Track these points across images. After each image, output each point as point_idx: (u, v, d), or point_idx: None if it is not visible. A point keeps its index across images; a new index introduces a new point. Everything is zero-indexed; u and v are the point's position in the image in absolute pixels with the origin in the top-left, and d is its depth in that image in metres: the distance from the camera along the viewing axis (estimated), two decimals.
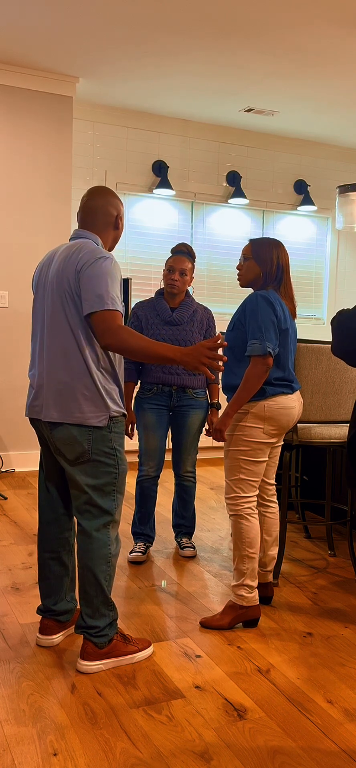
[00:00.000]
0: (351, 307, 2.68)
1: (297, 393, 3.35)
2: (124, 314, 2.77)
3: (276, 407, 3.22)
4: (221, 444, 6.75)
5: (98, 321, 2.68)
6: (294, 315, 3.35)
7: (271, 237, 3.58)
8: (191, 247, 4.16)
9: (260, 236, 7.62)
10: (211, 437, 4.25)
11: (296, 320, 6.90)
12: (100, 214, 2.89)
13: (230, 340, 3.30)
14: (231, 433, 3.25)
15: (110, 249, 2.98)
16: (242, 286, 3.39)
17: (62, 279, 2.76)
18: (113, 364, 2.83)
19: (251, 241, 3.36)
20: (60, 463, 2.86)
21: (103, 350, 2.76)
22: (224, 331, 4.72)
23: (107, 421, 2.78)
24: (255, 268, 3.32)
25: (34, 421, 2.94)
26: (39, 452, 6.17)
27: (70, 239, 2.92)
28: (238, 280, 3.40)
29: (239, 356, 3.26)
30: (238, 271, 3.38)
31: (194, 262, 4.15)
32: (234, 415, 3.21)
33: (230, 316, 7.48)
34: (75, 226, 6.57)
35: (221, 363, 2.69)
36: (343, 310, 2.68)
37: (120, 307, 2.72)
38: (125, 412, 2.89)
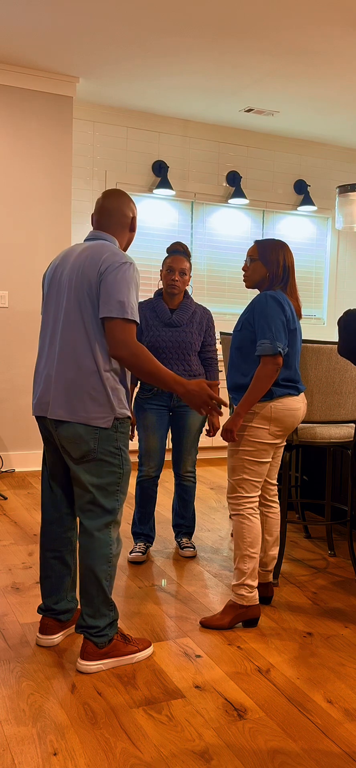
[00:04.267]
0: None
1: (302, 394, 3.35)
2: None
3: (282, 408, 3.23)
4: (222, 444, 6.76)
5: (116, 328, 2.70)
6: (299, 315, 3.36)
7: (276, 238, 3.56)
8: (186, 246, 4.17)
9: (261, 237, 7.63)
10: (211, 437, 4.26)
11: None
12: (116, 216, 2.92)
13: (237, 339, 3.31)
14: (237, 432, 3.25)
15: (124, 250, 3.01)
16: (248, 287, 3.39)
17: (82, 279, 2.77)
18: (122, 366, 2.84)
19: (257, 242, 3.36)
20: (65, 461, 2.86)
21: (123, 362, 2.77)
22: (227, 331, 4.73)
23: (111, 422, 2.79)
24: (262, 270, 3.31)
25: (39, 419, 2.94)
26: (40, 452, 6.20)
27: (86, 240, 2.94)
28: (244, 281, 3.40)
29: (246, 356, 3.26)
30: (244, 273, 3.38)
31: (190, 260, 4.16)
32: (244, 415, 3.21)
33: (231, 316, 7.53)
34: (75, 226, 6.58)
35: (221, 407, 2.85)
36: (349, 310, 2.68)
37: (137, 317, 2.75)
38: (130, 415, 2.90)
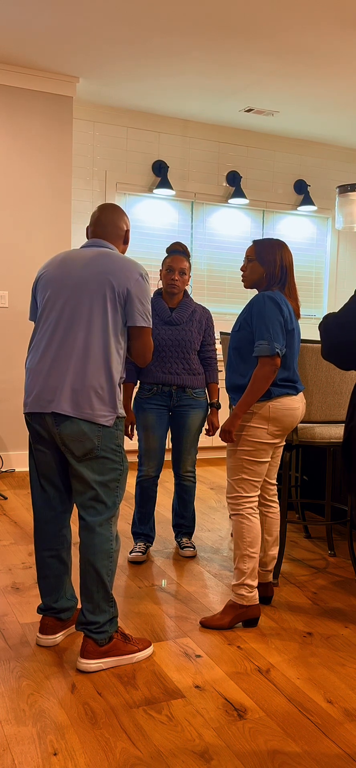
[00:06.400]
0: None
1: (301, 394, 3.35)
2: None
3: (280, 408, 3.23)
4: (221, 444, 6.75)
5: (147, 336, 2.91)
6: (298, 315, 3.36)
7: (274, 238, 3.56)
8: (185, 246, 4.17)
9: (261, 236, 7.63)
10: (211, 437, 4.26)
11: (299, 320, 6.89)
12: (111, 228, 3.02)
13: (235, 340, 3.30)
14: (236, 432, 3.25)
15: None
16: (246, 287, 3.39)
17: (103, 284, 2.83)
18: (123, 368, 2.92)
19: (255, 242, 3.36)
20: (67, 459, 2.86)
21: (139, 363, 3.00)
22: (228, 331, 4.72)
23: (113, 420, 2.84)
24: (259, 270, 3.31)
25: (35, 416, 2.90)
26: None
27: (88, 246, 2.98)
28: (242, 281, 3.40)
29: (244, 356, 3.26)
30: (242, 273, 3.38)
31: (190, 260, 4.16)
32: (243, 415, 3.21)
33: (231, 316, 7.52)
34: (75, 226, 6.57)
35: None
36: (329, 314, 2.66)
37: None
38: (124, 414, 2.96)
